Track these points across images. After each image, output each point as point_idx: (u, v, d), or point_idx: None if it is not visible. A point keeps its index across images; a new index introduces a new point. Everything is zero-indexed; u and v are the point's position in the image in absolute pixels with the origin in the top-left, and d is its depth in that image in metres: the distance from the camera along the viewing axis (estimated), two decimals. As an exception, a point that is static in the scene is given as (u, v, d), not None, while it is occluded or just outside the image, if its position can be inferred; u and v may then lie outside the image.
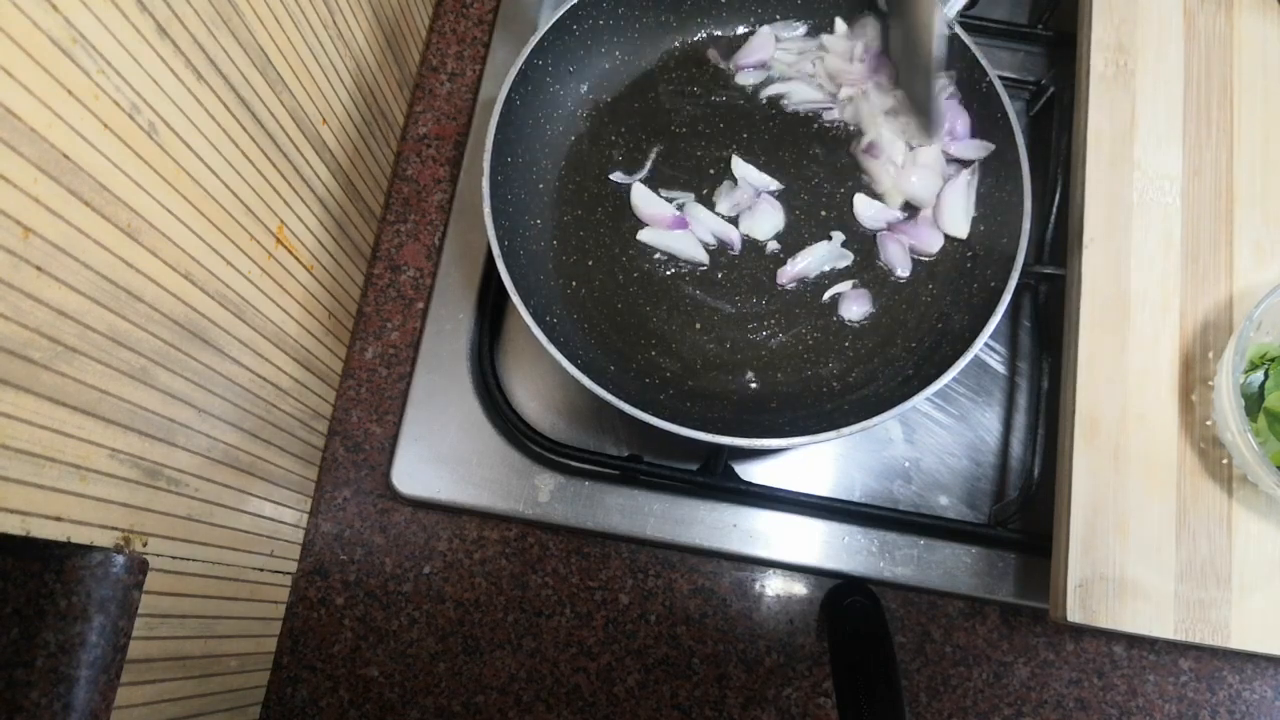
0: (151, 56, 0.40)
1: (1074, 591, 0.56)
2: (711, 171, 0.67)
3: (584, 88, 0.68)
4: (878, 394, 0.61)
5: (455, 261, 0.70)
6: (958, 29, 0.63)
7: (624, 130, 0.68)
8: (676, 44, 0.70)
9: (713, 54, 0.70)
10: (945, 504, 0.68)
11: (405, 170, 0.73)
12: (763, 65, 0.69)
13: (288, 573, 0.65)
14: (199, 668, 0.54)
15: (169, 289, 0.45)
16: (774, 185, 0.67)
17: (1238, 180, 0.63)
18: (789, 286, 0.65)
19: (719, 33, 0.70)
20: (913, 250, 0.65)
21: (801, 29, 0.70)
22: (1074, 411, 0.59)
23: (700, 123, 0.69)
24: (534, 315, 0.56)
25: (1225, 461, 0.58)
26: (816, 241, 0.65)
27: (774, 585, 0.66)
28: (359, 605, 0.66)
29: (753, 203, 0.66)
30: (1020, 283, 0.59)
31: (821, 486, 0.67)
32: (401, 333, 0.70)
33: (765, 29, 0.70)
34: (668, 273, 0.65)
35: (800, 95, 0.69)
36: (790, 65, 0.69)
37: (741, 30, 0.70)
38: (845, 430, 0.55)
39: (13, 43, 0.32)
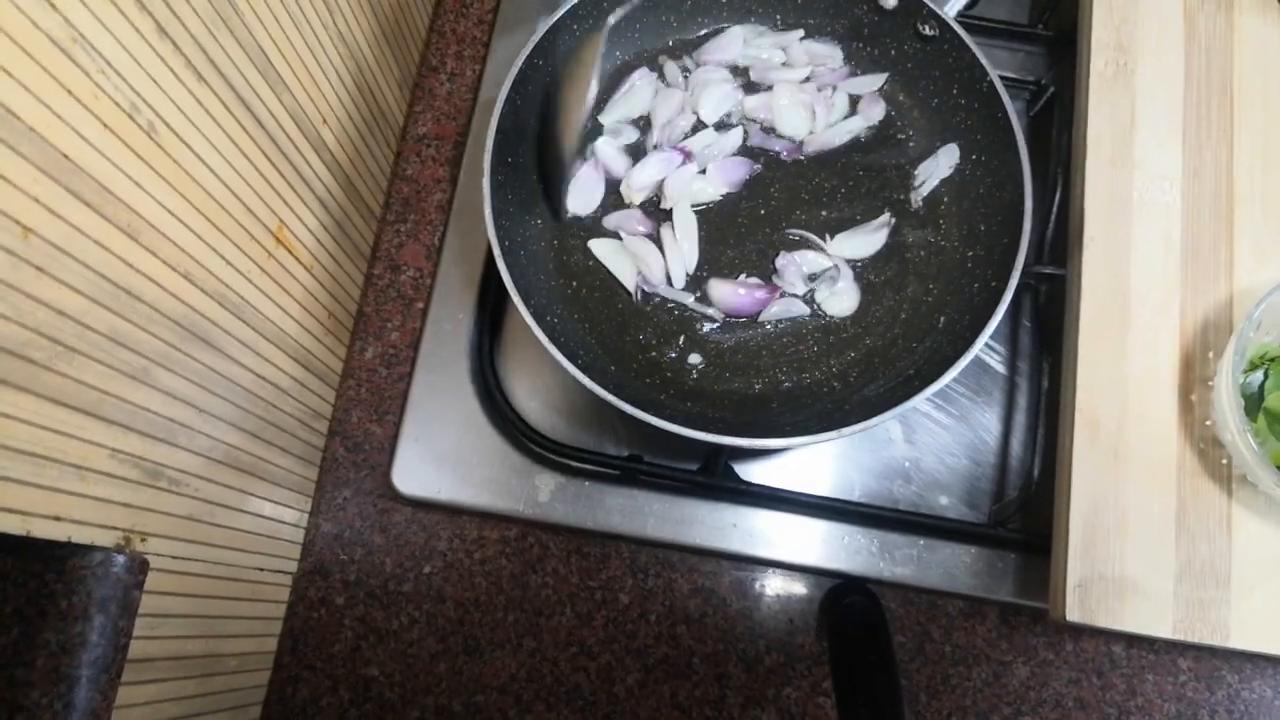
0: (151, 56, 0.40)
1: (1073, 591, 0.56)
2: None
3: (584, 87, 0.68)
4: (878, 394, 0.61)
5: (455, 261, 0.69)
6: (958, 29, 0.63)
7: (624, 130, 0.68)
8: (675, 43, 0.70)
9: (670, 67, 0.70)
10: (945, 504, 0.68)
11: (405, 170, 0.73)
12: (729, 65, 0.69)
13: (288, 573, 0.65)
14: (200, 667, 0.54)
15: (169, 289, 0.44)
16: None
17: (1238, 180, 0.63)
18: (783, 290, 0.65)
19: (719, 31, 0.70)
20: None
21: (770, 32, 0.71)
22: (1074, 411, 0.59)
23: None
24: (534, 315, 0.56)
25: (1225, 461, 0.58)
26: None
27: (774, 585, 0.66)
28: (359, 605, 0.66)
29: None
30: (1020, 282, 0.59)
31: (821, 486, 0.67)
32: (401, 333, 0.70)
33: (736, 29, 0.69)
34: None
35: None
36: (764, 61, 0.70)
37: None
38: (846, 430, 0.55)
39: (12, 42, 0.32)
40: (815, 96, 0.68)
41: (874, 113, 0.69)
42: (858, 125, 0.68)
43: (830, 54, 0.69)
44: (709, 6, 0.69)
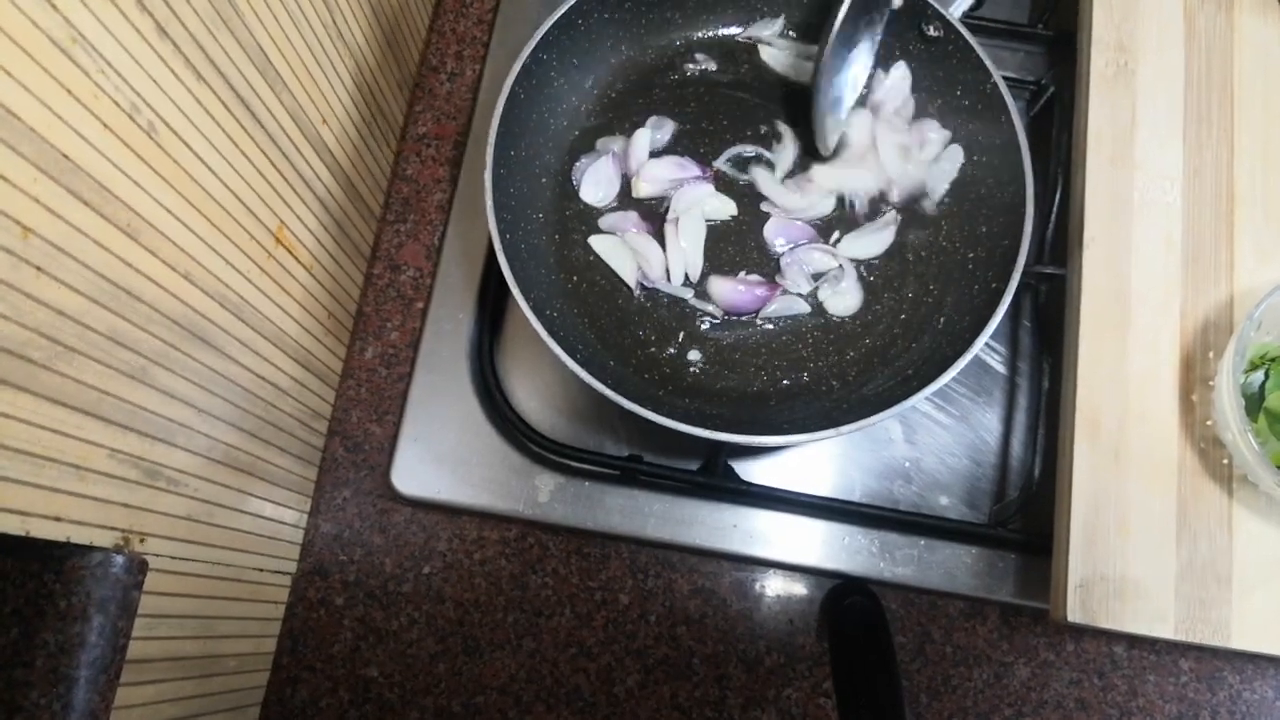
0: (151, 56, 0.40)
1: (1074, 592, 0.56)
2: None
3: (588, 82, 0.68)
4: (877, 393, 0.61)
5: (455, 261, 0.69)
6: (962, 30, 0.63)
7: (627, 126, 0.68)
8: (680, 40, 0.70)
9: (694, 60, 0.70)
10: (945, 504, 0.68)
11: (405, 170, 0.73)
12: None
13: (287, 573, 0.65)
14: (198, 668, 0.53)
15: (168, 289, 0.44)
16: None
17: (1238, 180, 0.63)
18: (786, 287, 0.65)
19: (723, 31, 0.70)
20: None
21: (780, 28, 0.70)
22: (1074, 411, 0.59)
23: (704, 119, 0.69)
24: (534, 309, 0.56)
25: (1225, 461, 0.58)
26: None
27: (774, 585, 0.66)
28: (359, 605, 0.65)
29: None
30: (1021, 282, 0.59)
31: (822, 487, 0.67)
32: (401, 332, 0.70)
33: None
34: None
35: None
36: (791, 68, 0.69)
37: (744, 30, 0.70)
38: (844, 429, 0.55)
39: (12, 42, 0.32)
40: (908, 136, 0.67)
41: (935, 137, 0.67)
42: (952, 166, 0.66)
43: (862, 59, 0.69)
44: (714, 4, 0.69)
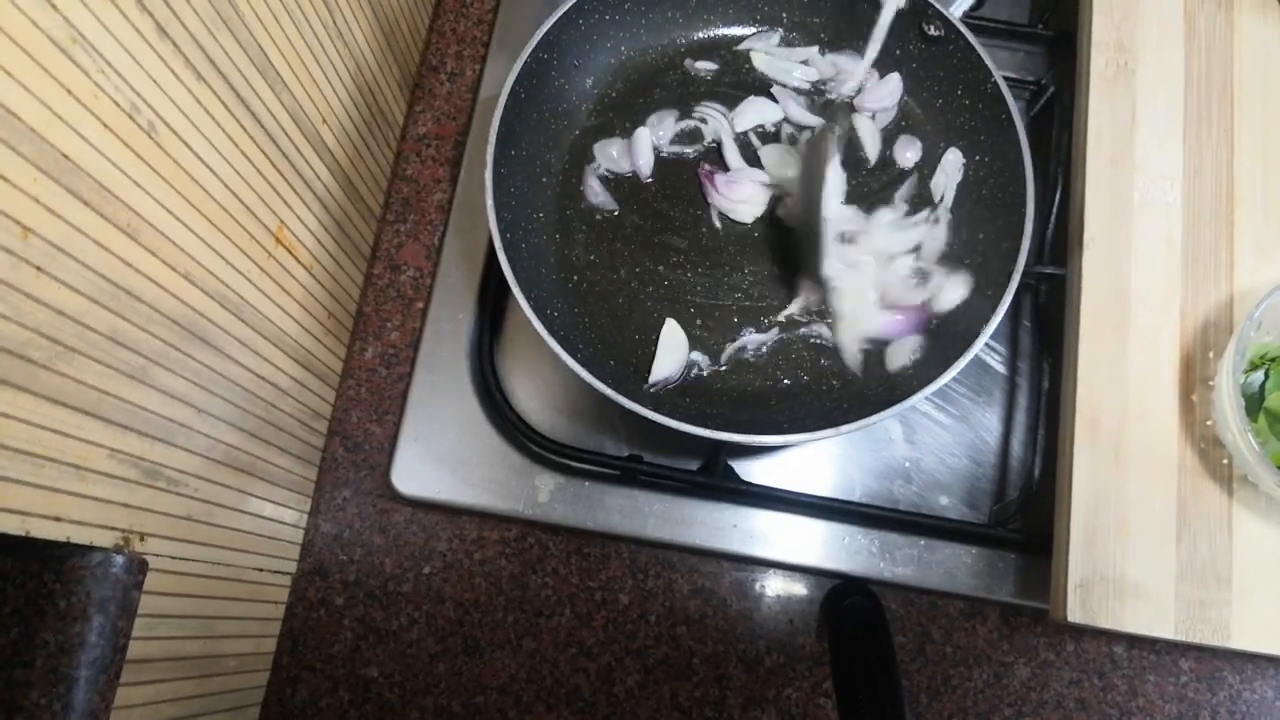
0: (151, 56, 0.40)
1: (1074, 592, 0.56)
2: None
3: (588, 82, 0.68)
4: (877, 393, 0.61)
5: (455, 261, 0.69)
6: (963, 29, 0.63)
7: (628, 125, 0.68)
8: (682, 40, 0.70)
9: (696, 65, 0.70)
10: (945, 504, 0.68)
11: (405, 170, 0.73)
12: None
13: (287, 573, 0.65)
14: (198, 668, 0.53)
15: (168, 289, 0.44)
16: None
17: (1238, 180, 0.63)
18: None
19: (724, 31, 0.70)
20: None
21: (777, 37, 0.70)
22: (1074, 411, 0.59)
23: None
24: (535, 308, 0.56)
25: (1225, 461, 0.58)
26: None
27: (774, 585, 0.66)
28: (358, 605, 0.66)
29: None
30: (1021, 283, 0.59)
31: (822, 487, 0.67)
32: (401, 332, 0.70)
33: (761, 100, 0.69)
34: (671, 266, 0.65)
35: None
36: (782, 71, 0.70)
37: (747, 31, 0.70)
38: (844, 428, 0.55)
39: (12, 42, 0.32)
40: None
41: (910, 155, 0.68)
42: (955, 171, 0.67)
43: (854, 67, 0.69)
44: (715, 4, 0.69)
